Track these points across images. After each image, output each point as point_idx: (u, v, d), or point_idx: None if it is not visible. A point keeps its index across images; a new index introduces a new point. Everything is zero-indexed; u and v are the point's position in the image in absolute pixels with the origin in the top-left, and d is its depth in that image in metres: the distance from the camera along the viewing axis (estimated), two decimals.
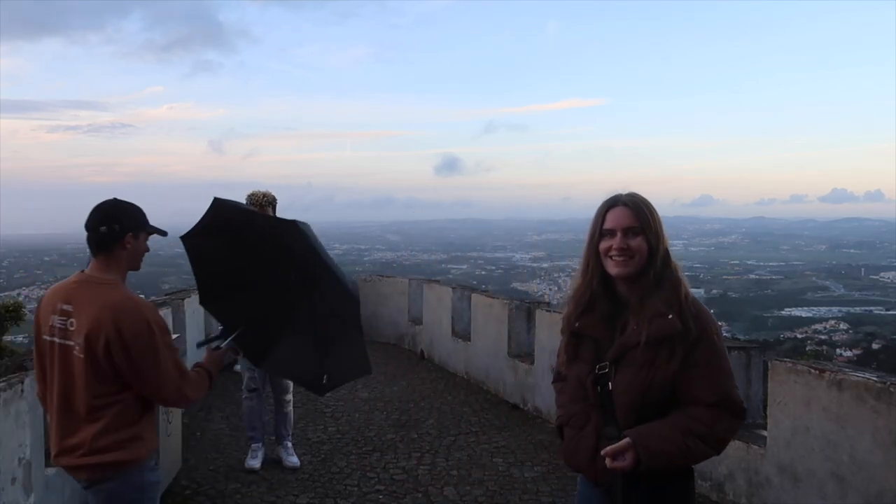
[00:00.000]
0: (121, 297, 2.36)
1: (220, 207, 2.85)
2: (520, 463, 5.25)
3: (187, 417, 6.17)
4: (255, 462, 5.03)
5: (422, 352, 9.23)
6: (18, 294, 38.28)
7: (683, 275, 2.04)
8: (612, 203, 2.07)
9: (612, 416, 1.99)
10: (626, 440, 1.90)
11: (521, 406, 6.80)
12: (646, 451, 1.88)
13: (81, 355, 2.31)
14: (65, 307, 2.38)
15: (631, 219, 2.01)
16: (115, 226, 2.40)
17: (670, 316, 1.94)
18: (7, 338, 9.64)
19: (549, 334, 6.40)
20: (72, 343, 2.34)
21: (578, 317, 2.11)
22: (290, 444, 5.19)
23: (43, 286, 49.81)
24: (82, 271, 2.48)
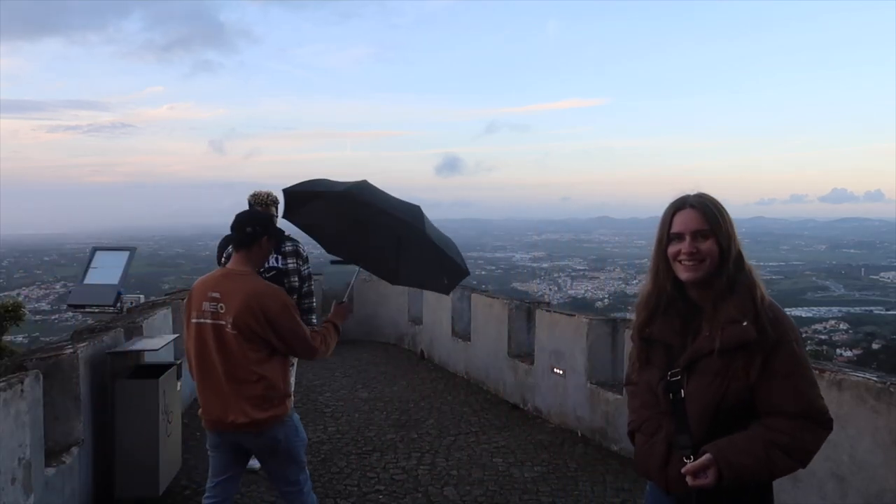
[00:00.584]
0: (263, 285, 3.11)
1: (292, 193, 3.47)
2: (520, 463, 5.25)
3: (187, 417, 6.16)
4: (255, 462, 5.04)
5: (422, 352, 9.23)
6: (18, 294, 38.26)
7: (759, 277, 1.94)
8: (680, 205, 2.00)
9: (685, 425, 1.91)
10: (708, 456, 1.81)
11: (521, 406, 6.80)
12: (728, 467, 1.79)
13: (234, 331, 2.99)
14: (213, 294, 3.05)
15: (700, 221, 1.94)
16: (257, 228, 3.15)
17: (745, 323, 1.85)
18: (7, 338, 9.62)
19: (548, 334, 6.40)
20: (223, 322, 3.01)
21: (648, 323, 2.05)
22: None
23: (43, 286, 49.79)
24: (224, 266, 3.28)
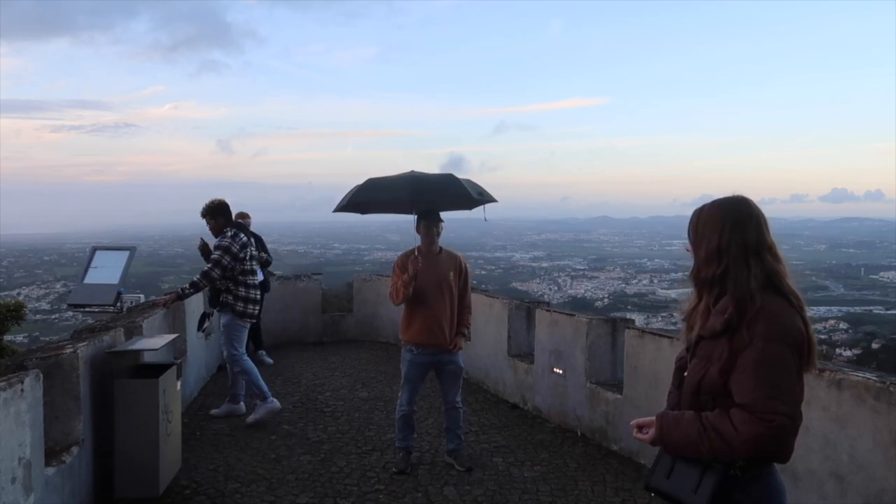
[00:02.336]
0: None
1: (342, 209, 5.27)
2: (519, 463, 5.25)
3: (187, 417, 6.16)
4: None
5: None
6: (18, 294, 38.26)
7: (759, 274, 2.02)
8: None
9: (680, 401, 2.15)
10: (652, 418, 2.09)
11: (521, 406, 6.80)
12: (658, 431, 2.06)
13: None
14: None
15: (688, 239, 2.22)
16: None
17: (725, 315, 2.00)
18: (7, 338, 9.61)
19: (548, 334, 6.40)
20: None
21: (691, 309, 2.22)
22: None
23: (43, 286, 49.76)
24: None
